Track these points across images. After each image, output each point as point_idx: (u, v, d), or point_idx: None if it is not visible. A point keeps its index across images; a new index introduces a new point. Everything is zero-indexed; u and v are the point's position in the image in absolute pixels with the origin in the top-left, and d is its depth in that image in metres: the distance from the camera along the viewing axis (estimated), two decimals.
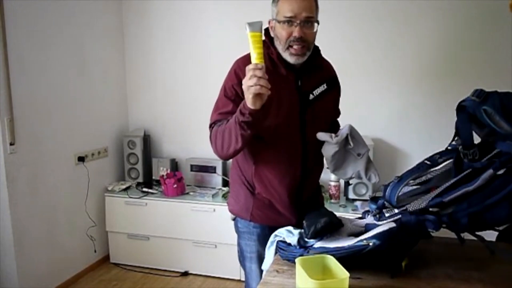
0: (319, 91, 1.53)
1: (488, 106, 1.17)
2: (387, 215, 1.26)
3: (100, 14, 3.21)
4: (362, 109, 2.99)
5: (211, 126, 1.52)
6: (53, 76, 2.80)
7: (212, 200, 3.03)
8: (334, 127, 1.67)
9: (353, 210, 2.75)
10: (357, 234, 1.25)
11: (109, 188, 3.28)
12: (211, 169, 3.25)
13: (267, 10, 1.51)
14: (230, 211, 1.68)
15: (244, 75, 1.34)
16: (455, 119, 1.25)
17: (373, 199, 1.38)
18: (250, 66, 1.24)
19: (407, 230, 1.18)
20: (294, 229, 1.35)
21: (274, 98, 1.42)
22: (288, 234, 1.32)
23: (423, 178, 1.31)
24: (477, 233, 1.26)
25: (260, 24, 1.22)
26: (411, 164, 1.37)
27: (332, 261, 1.10)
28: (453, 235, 1.29)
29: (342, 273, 1.04)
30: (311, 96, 1.51)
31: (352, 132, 1.42)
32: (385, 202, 1.31)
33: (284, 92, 1.47)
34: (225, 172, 3.25)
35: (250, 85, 1.22)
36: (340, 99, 1.72)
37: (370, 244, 1.13)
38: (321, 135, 1.44)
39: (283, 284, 1.16)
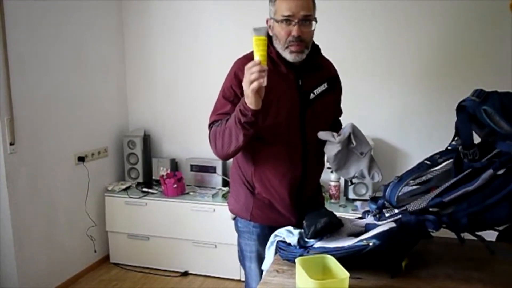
0: (319, 90, 1.52)
1: (488, 106, 1.17)
2: (387, 215, 1.26)
3: (100, 14, 3.21)
4: (362, 109, 2.98)
5: (209, 127, 1.52)
6: (53, 76, 2.80)
7: (212, 200, 3.03)
8: (335, 126, 1.66)
9: (353, 210, 2.75)
10: (357, 234, 1.25)
11: (109, 188, 3.28)
12: (211, 169, 3.25)
13: (267, 10, 1.51)
14: (230, 210, 1.68)
15: (242, 72, 1.34)
16: (455, 119, 1.25)
17: (373, 199, 1.38)
18: (249, 64, 1.24)
19: (407, 230, 1.18)
20: (294, 229, 1.35)
21: (274, 97, 1.43)
22: (288, 234, 1.32)
23: (423, 178, 1.31)
24: (477, 233, 1.26)
25: (266, 29, 1.23)
26: (411, 164, 1.37)
27: (332, 261, 1.10)
28: (453, 235, 1.29)
29: (342, 273, 1.04)
30: (312, 96, 1.51)
31: (355, 130, 1.42)
32: (385, 202, 1.31)
33: (284, 91, 1.47)
34: (225, 172, 3.25)
35: (252, 79, 1.23)
36: (341, 99, 1.72)
37: (370, 244, 1.13)
38: (322, 135, 1.44)
39: (283, 284, 1.16)
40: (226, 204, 1.73)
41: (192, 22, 3.30)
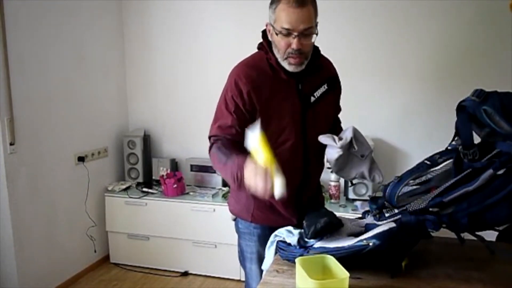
0: (320, 92, 1.51)
1: (488, 106, 1.17)
2: (387, 215, 1.26)
3: (100, 14, 3.21)
4: (362, 109, 2.99)
5: (210, 138, 1.51)
6: (53, 76, 2.80)
7: (212, 200, 3.03)
8: (335, 125, 1.66)
9: (353, 210, 2.75)
10: (357, 234, 1.25)
11: (109, 188, 3.28)
12: (211, 169, 3.25)
13: (267, 10, 1.50)
14: (231, 211, 1.68)
15: (244, 84, 1.38)
16: (455, 119, 1.25)
17: (373, 199, 1.38)
18: (255, 169, 1.20)
19: (407, 230, 1.18)
20: (294, 229, 1.35)
21: (276, 104, 1.44)
22: (288, 234, 1.32)
23: (423, 178, 1.31)
24: (477, 233, 1.26)
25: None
26: (411, 164, 1.37)
27: (332, 261, 1.10)
28: (453, 235, 1.29)
29: (342, 273, 1.04)
30: (312, 99, 1.49)
31: (356, 134, 1.41)
32: (385, 202, 1.31)
33: (285, 97, 1.46)
34: None
35: (256, 189, 1.20)
36: (341, 99, 1.72)
37: (370, 244, 1.13)
38: (323, 139, 1.42)
39: (283, 284, 1.16)
40: (226, 204, 1.72)
41: (192, 22, 3.30)
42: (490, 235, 1.32)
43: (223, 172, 1.42)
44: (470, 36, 2.79)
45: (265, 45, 1.48)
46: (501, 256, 1.29)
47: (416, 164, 1.34)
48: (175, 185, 3.10)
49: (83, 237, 3.12)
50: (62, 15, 2.85)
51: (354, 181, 2.85)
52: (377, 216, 1.28)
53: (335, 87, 1.60)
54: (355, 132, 1.41)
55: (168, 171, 3.26)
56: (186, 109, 3.40)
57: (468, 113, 1.21)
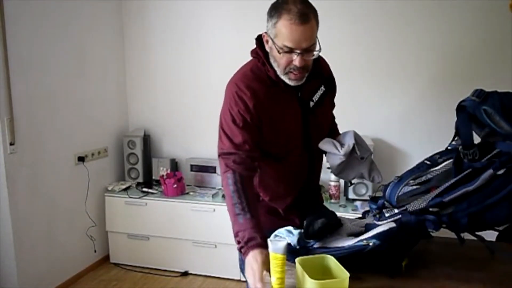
0: (318, 96, 1.48)
1: (488, 106, 1.17)
2: (387, 215, 1.26)
3: (100, 15, 3.21)
4: (362, 109, 2.99)
5: (221, 155, 1.41)
6: (53, 76, 2.80)
7: (212, 200, 3.03)
8: (332, 123, 1.65)
9: (353, 210, 2.75)
10: (357, 234, 1.25)
11: (109, 188, 3.28)
12: (211, 169, 3.25)
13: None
14: None
15: (249, 98, 1.34)
16: (455, 119, 1.25)
17: (373, 199, 1.38)
18: (257, 274, 1.14)
19: (407, 230, 1.18)
20: (294, 229, 1.34)
21: (278, 115, 1.41)
22: (288, 234, 1.32)
23: (423, 178, 1.31)
24: (477, 233, 1.26)
25: (285, 246, 1.09)
26: (411, 164, 1.37)
27: (332, 261, 1.10)
28: (453, 235, 1.29)
29: (342, 273, 1.04)
30: (311, 104, 1.46)
31: (356, 138, 1.41)
32: (385, 202, 1.31)
33: (286, 106, 1.43)
34: None
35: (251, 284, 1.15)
36: (340, 99, 1.72)
37: (370, 244, 1.13)
38: (325, 147, 1.40)
39: None
40: (226, 204, 1.72)
41: (192, 22, 3.30)
42: (490, 235, 1.32)
43: (230, 215, 1.35)
44: (470, 36, 2.79)
45: (262, 55, 1.40)
46: (501, 256, 1.29)
47: (416, 164, 1.34)
48: (175, 185, 3.10)
49: (83, 237, 3.12)
50: (62, 15, 2.85)
51: (354, 181, 2.86)
52: (377, 216, 1.28)
53: (331, 87, 1.57)
54: (356, 136, 1.40)
55: (168, 171, 3.26)
56: (186, 109, 3.40)
57: (468, 113, 1.21)
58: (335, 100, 1.70)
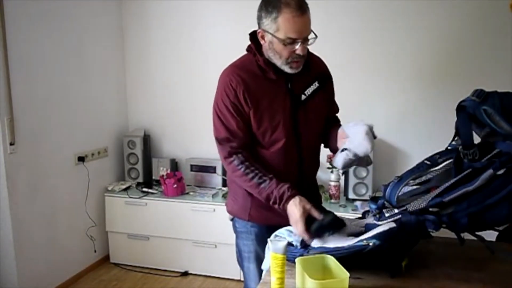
0: (311, 90, 1.53)
1: (488, 106, 1.17)
2: (387, 215, 1.26)
3: (99, 15, 3.21)
4: (362, 109, 2.98)
5: (220, 140, 1.50)
6: (53, 76, 2.80)
7: (212, 200, 3.03)
8: (330, 124, 1.65)
9: (353, 210, 2.75)
10: (357, 234, 1.25)
11: (109, 188, 3.28)
12: (211, 169, 3.25)
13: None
14: (229, 211, 1.68)
15: (236, 85, 1.43)
16: (455, 119, 1.25)
17: (373, 199, 1.38)
18: (300, 222, 1.28)
19: (407, 230, 1.18)
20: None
21: (266, 103, 1.46)
22: (289, 234, 1.32)
23: (423, 178, 1.31)
24: (477, 233, 1.26)
25: (285, 246, 1.12)
26: (411, 164, 1.37)
27: (332, 261, 1.10)
28: (453, 235, 1.29)
29: (342, 273, 1.04)
30: (303, 97, 1.51)
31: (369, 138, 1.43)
32: (385, 202, 1.31)
33: (275, 96, 1.48)
34: (225, 172, 3.25)
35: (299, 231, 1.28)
36: (340, 99, 1.72)
37: (370, 244, 1.13)
38: (341, 163, 1.38)
39: None
40: (225, 205, 1.73)
41: (192, 22, 3.29)
42: (490, 235, 1.32)
43: (253, 191, 1.46)
44: (470, 36, 2.79)
45: (253, 47, 1.50)
46: (501, 256, 1.29)
47: (416, 164, 1.34)
48: (175, 185, 3.10)
49: (83, 237, 3.12)
50: (62, 15, 2.85)
51: (354, 181, 2.86)
52: (377, 216, 1.28)
53: (326, 83, 1.61)
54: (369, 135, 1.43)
55: (168, 171, 3.26)
56: (186, 109, 3.40)
57: (468, 113, 1.21)
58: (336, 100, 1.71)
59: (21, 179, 2.58)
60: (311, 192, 1.68)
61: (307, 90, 1.52)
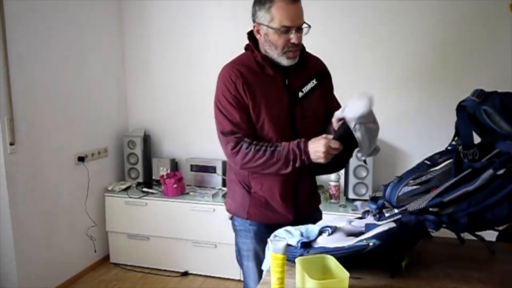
0: (308, 88, 1.55)
1: (488, 106, 1.17)
2: (387, 215, 1.26)
3: (99, 14, 3.21)
4: None
5: (226, 133, 1.50)
6: (53, 76, 2.80)
7: (212, 200, 3.03)
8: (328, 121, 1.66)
9: (353, 210, 2.75)
10: (357, 234, 1.25)
11: (109, 188, 3.28)
12: (211, 169, 3.25)
13: None
14: (228, 210, 1.69)
15: (236, 79, 1.45)
16: (455, 119, 1.25)
17: (373, 199, 1.38)
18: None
19: (407, 230, 1.18)
20: (295, 229, 1.34)
21: (264, 99, 1.48)
22: (288, 235, 1.32)
23: (423, 178, 1.31)
24: (477, 233, 1.26)
25: (285, 246, 1.11)
26: (411, 164, 1.37)
27: (332, 261, 1.10)
28: (453, 235, 1.29)
29: (342, 273, 1.04)
30: (301, 94, 1.53)
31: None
32: (385, 202, 1.31)
33: (272, 92, 1.50)
34: (225, 172, 3.25)
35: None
36: (340, 99, 1.72)
37: (370, 244, 1.13)
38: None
39: None
40: (224, 204, 1.73)
41: (192, 22, 3.29)
42: (490, 235, 1.32)
43: (271, 164, 1.45)
44: (470, 36, 2.79)
45: (251, 44, 1.53)
46: (501, 256, 1.29)
47: (416, 164, 1.34)
48: (175, 185, 3.10)
49: (83, 237, 3.12)
50: (62, 15, 2.85)
51: (354, 181, 2.85)
52: (377, 216, 1.28)
53: (325, 81, 1.62)
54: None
55: (168, 171, 3.26)
56: (186, 109, 3.40)
57: (468, 113, 1.21)
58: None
59: (21, 179, 2.58)
60: (310, 190, 1.68)
61: (305, 87, 1.54)
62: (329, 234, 1.26)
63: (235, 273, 3.01)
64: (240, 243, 1.66)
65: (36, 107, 2.68)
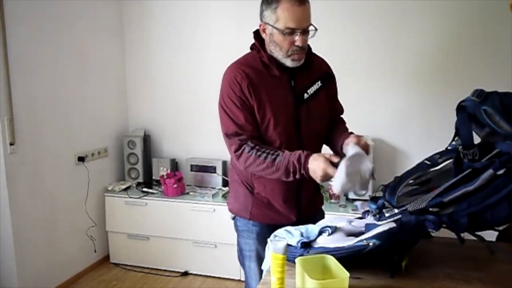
0: (313, 89, 1.54)
1: (488, 106, 1.17)
2: (387, 215, 1.26)
3: (100, 14, 3.21)
4: (362, 109, 2.98)
5: (230, 135, 1.50)
6: (53, 76, 2.80)
7: (212, 200, 3.03)
8: (334, 124, 1.66)
9: (353, 210, 2.75)
10: (357, 234, 1.25)
11: (109, 188, 3.28)
12: (211, 169, 3.25)
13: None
14: (230, 210, 1.69)
15: (241, 79, 1.42)
16: (455, 119, 1.25)
17: (373, 199, 1.38)
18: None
19: (407, 230, 1.18)
20: (295, 229, 1.34)
21: (269, 100, 1.47)
22: (288, 235, 1.32)
23: (423, 178, 1.31)
24: (477, 233, 1.26)
25: (285, 246, 1.10)
26: (411, 164, 1.37)
27: (332, 261, 1.10)
28: (453, 235, 1.29)
29: (342, 273, 1.04)
30: (306, 95, 1.52)
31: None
32: (385, 202, 1.31)
33: (278, 93, 1.49)
34: (225, 172, 3.25)
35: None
36: (341, 99, 1.72)
37: (370, 244, 1.13)
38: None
39: None
40: (226, 204, 1.73)
41: (192, 22, 3.29)
42: (490, 235, 1.32)
43: (271, 171, 1.44)
44: (470, 36, 2.79)
45: (257, 44, 1.52)
46: (501, 256, 1.29)
47: (416, 164, 1.34)
48: (175, 185, 3.10)
49: (83, 237, 3.12)
50: (62, 15, 2.85)
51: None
52: (377, 216, 1.28)
53: (329, 83, 1.62)
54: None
55: (168, 171, 3.26)
56: (186, 109, 3.40)
57: (468, 113, 1.21)
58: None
59: (21, 179, 2.58)
60: (313, 191, 1.68)
61: (310, 89, 1.53)
62: (329, 234, 1.26)
63: (235, 273, 3.01)
64: (242, 243, 1.66)
65: (36, 107, 2.68)
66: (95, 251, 3.22)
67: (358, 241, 1.16)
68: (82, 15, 3.03)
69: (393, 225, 1.17)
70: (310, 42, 1.54)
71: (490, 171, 1.15)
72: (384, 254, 1.17)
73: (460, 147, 1.24)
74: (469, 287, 1.13)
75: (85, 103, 3.09)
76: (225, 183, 3.21)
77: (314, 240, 1.26)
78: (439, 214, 1.21)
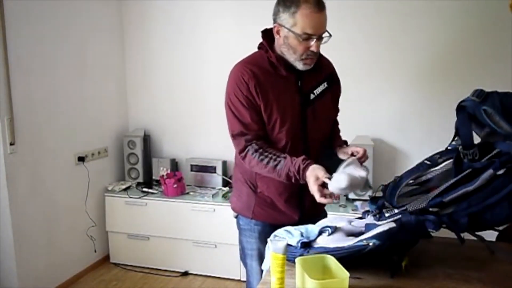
0: (319, 90, 1.54)
1: (488, 106, 1.17)
2: (387, 215, 1.26)
3: (100, 15, 3.21)
4: (362, 109, 2.98)
5: (236, 136, 1.50)
6: (53, 76, 2.80)
7: (212, 200, 3.03)
8: (333, 126, 1.67)
9: (353, 210, 2.75)
10: (357, 234, 1.25)
11: (109, 188, 3.28)
12: (211, 169, 3.25)
13: (269, 8, 1.50)
14: (233, 208, 1.69)
15: (248, 79, 1.41)
16: (455, 119, 1.25)
17: (373, 199, 1.38)
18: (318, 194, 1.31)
19: (407, 230, 1.18)
20: (295, 229, 1.34)
21: (275, 99, 1.46)
22: (288, 235, 1.32)
23: (423, 178, 1.31)
24: (477, 233, 1.26)
25: (285, 246, 1.10)
26: (411, 164, 1.37)
27: (332, 261, 1.10)
28: (453, 235, 1.29)
29: (342, 273, 1.04)
30: (312, 96, 1.52)
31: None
32: (385, 202, 1.31)
33: (285, 93, 1.49)
34: (225, 172, 3.25)
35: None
36: (341, 99, 1.72)
37: (370, 244, 1.13)
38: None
39: None
40: (227, 203, 1.73)
41: (192, 22, 3.29)
42: (490, 235, 1.32)
43: (274, 176, 1.45)
44: (470, 37, 2.79)
45: (265, 44, 1.51)
46: (501, 256, 1.29)
47: (416, 164, 1.34)
48: (175, 185, 3.10)
49: (83, 237, 3.12)
50: (62, 15, 2.85)
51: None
52: (377, 216, 1.28)
53: (334, 84, 1.62)
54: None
55: (168, 171, 3.26)
56: (186, 109, 3.40)
57: (468, 113, 1.21)
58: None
59: (21, 179, 2.58)
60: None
61: (316, 89, 1.53)
62: (329, 234, 1.26)
63: (235, 273, 3.01)
64: (244, 242, 1.66)
65: (36, 107, 2.68)
66: (95, 251, 3.22)
67: (358, 241, 1.16)
68: (82, 15, 3.03)
69: (393, 225, 1.17)
70: None
71: (490, 171, 1.15)
72: (384, 254, 1.17)
73: (460, 147, 1.24)
74: (469, 287, 1.13)
75: (85, 103, 3.09)
76: (225, 183, 3.21)
77: (314, 240, 1.26)
78: (439, 214, 1.21)
